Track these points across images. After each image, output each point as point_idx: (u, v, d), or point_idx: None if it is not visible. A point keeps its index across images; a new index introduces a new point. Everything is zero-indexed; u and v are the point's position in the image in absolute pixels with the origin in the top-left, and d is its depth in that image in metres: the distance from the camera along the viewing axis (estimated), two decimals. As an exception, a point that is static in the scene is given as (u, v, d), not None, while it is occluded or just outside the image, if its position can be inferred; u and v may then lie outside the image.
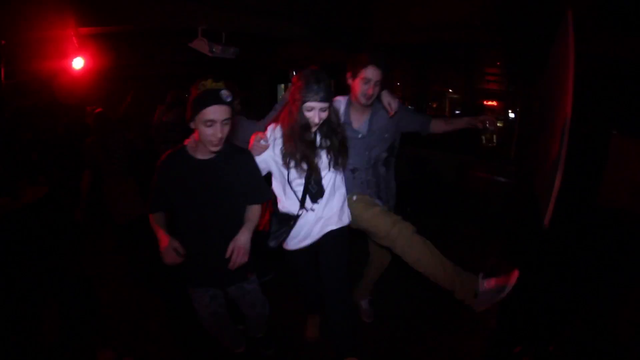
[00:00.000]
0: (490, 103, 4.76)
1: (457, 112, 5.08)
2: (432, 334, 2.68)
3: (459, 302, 2.06)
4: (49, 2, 3.06)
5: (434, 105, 5.25)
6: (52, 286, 3.44)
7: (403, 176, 2.66)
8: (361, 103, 2.07)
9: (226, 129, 1.62)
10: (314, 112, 1.76)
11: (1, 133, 3.55)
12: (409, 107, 2.28)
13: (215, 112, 1.56)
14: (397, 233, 2.01)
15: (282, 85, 7.97)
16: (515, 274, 1.97)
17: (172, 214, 1.85)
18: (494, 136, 2.38)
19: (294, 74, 1.90)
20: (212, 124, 1.57)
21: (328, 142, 1.89)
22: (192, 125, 1.64)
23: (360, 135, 2.17)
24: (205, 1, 3.48)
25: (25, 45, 3.88)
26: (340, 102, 2.19)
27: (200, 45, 3.72)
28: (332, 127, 1.88)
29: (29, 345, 2.76)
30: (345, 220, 2.04)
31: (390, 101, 2.07)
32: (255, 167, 1.86)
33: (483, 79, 4.59)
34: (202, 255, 1.83)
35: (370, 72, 1.97)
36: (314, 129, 1.83)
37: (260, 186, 1.88)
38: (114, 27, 3.98)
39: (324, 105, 1.76)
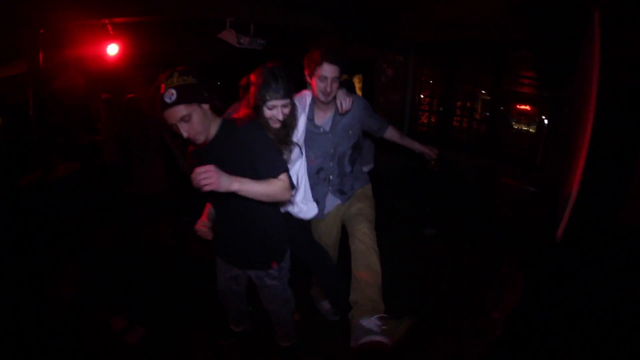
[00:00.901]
0: (523, 107, 4.53)
1: (488, 114, 4.87)
2: (435, 337, 2.64)
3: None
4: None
5: (468, 105, 5.05)
6: (74, 252, 3.69)
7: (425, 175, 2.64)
8: (321, 100, 2.07)
9: (186, 127, 1.57)
10: (277, 109, 1.78)
11: (38, 112, 3.80)
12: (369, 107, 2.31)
13: (169, 118, 1.56)
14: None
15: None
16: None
17: None
18: (434, 164, 2.48)
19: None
20: (175, 125, 1.59)
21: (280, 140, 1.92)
22: None
23: (322, 130, 2.16)
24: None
25: (62, 31, 4.11)
26: (307, 96, 2.18)
27: (228, 36, 3.80)
28: (291, 124, 1.94)
29: (48, 305, 2.99)
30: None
31: (342, 100, 2.08)
32: (259, 137, 1.69)
33: (516, 81, 4.36)
34: (223, 237, 1.89)
35: (326, 70, 1.95)
36: (277, 126, 1.85)
37: (273, 157, 1.70)
38: (146, 16, 4.13)
39: (286, 101, 1.79)
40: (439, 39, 4.54)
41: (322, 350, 2.51)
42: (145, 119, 3.66)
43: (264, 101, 1.76)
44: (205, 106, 1.61)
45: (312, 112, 2.17)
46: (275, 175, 1.65)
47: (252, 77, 1.81)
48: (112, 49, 4.40)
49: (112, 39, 4.30)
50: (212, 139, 1.69)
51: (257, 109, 1.79)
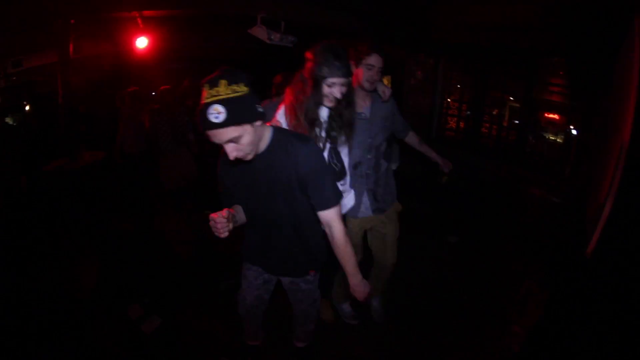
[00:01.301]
0: (551, 116, 4.39)
1: (516, 121, 4.75)
2: (452, 349, 2.56)
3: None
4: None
5: (494, 112, 4.95)
6: (96, 240, 3.77)
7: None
8: (365, 88, 2.13)
9: (236, 147, 1.35)
10: (336, 87, 1.73)
11: (67, 101, 3.90)
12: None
13: (215, 137, 1.31)
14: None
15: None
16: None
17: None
18: (445, 179, 2.54)
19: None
20: (226, 144, 1.36)
21: (340, 120, 1.88)
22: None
23: (362, 116, 2.18)
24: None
25: (93, 23, 4.21)
26: None
27: (259, 32, 3.82)
28: (349, 100, 1.87)
29: (67, 289, 3.06)
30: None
31: (384, 89, 2.19)
32: (317, 162, 1.54)
33: (546, 89, 4.23)
34: (261, 245, 1.76)
35: (374, 59, 2.07)
36: (331, 105, 1.80)
37: (324, 187, 1.54)
38: (179, 9, 4.19)
39: (346, 80, 1.75)
40: (470, 42, 4.44)
41: (337, 354, 2.48)
42: (174, 111, 3.73)
43: (323, 77, 1.70)
44: (259, 122, 1.37)
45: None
46: (325, 208, 1.54)
47: (310, 54, 1.75)
48: (142, 42, 4.48)
49: (142, 32, 4.38)
50: (260, 153, 1.50)
51: (316, 84, 1.72)
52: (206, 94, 1.25)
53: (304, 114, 1.77)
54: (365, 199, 2.30)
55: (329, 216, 1.55)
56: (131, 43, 4.49)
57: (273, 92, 2.53)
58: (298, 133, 1.67)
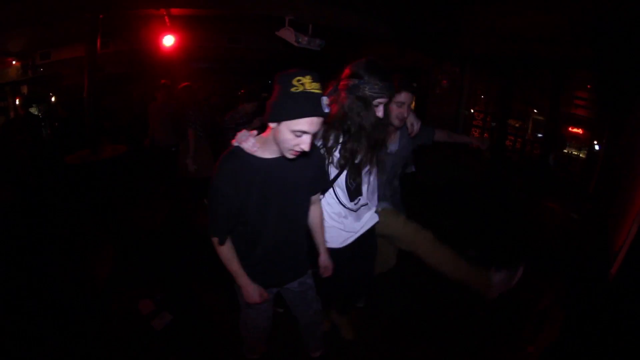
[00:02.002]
0: (575, 130, 4.29)
1: (540, 135, 4.66)
2: (460, 356, 2.55)
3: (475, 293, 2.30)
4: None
5: (517, 125, 4.86)
6: (113, 232, 3.83)
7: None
8: (394, 125, 2.09)
9: (312, 140, 1.39)
10: (380, 107, 1.74)
11: (93, 95, 3.99)
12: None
13: (312, 124, 1.32)
14: (420, 240, 2.21)
15: None
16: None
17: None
18: (487, 155, 2.56)
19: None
20: (302, 135, 1.33)
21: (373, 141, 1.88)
22: (272, 124, 1.37)
23: (389, 151, 2.20)
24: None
25: (121, 20, 4.30)
26: None
27: (287, 34, 3.83)
28: (387, 124, 1.91)
29: (81, 280, 3.11)
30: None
31: (413, 122, 2.16)
32: (321, 158, 1.73)
33: (571, 102, 4.13)
34: (272, 255, 1.68)
35: (404, 96, 2.02)
36: (399, 124, 1.96)
37: (324, 176, 1.79)
38: (209, 8, 4.25)
39: (387, 100, 1.77)
40: (497, 52, 4.39)
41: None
42: (199, 105, 3.82)
43: (373, 98, 1.70)
44: None
45: None
46: (321, 190, 1.79)
47: (351, 69, 1.74)
48: (168, 40, 4.56)
49: (169, 30, 4.46)
50: (281, 155, 1.50)
51: (367, 105, 1.71)
52: (311, 84, 1.29)
53: (368, 135, 1.77)
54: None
55: (318, 196, 1.80)
56: (158, 41, 4.58)
57: None
58: None
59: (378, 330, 2.72)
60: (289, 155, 1.41)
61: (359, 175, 1.90)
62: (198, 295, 3.01)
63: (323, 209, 1.93)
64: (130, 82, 6.57)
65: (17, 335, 2.46)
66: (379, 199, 2.23)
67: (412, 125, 2.16)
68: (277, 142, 1.39)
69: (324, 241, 1.87)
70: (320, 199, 1.87)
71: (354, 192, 1.93)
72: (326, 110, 1.32)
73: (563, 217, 3.96)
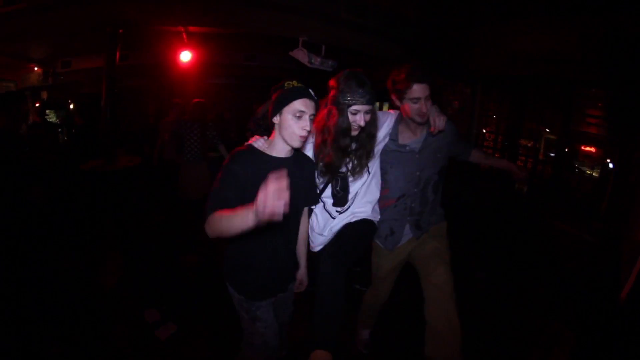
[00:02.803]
0: (587, 149, 4.23)
1: (552, 154, 4.60)
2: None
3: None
4: (165, 0, 3.47)
5: (529, 145, 4.83)
6: (121, 242, 3.89)
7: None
8: (417, 122, 1.93)
9: (312, 124, 1.58)
10: (359, 115, 1.73)
11: (111, 106, 4.10)
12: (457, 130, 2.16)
13: (306, 104, 1.54)
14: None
15: (378, 103, 8.10)
16: None
17: None
18: (523, 186, 2.27)
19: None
20: (302, 115, 1.53)
21: (360, 149, 1.85)
22: (276, 119, 1.58)
23: (407, 149, 2.01)
24: (308, 14, 3.66)
25: (140, 34, 4.44)
26: (389, 115, 2.05)
27: (300, 55, 3.90)
28: (370, 132, 1.84)
29: (89, 288, 3.14)
30: (376, 217, 2.02)
31: (436, 118, 1.87)
32: (312, 172, 1.83)
33: (583, 121, 4.09)
34: (269, 261, 1.69)
35: (417, 91, 1.84)
36: (355, 133, 1.78)
37: (314, 189, 1.86)
38: (224, 28, 4.36)
39: (369, 107, 1.73)
40: (508, 72, 4.38)
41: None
42: (202, 124, 3.86)
43: (348, 105, 1.71)
44: None
45: (396, 131, 2.03)
46: (310, 204, 1.88)
47: (333, 82, 1.77)
48: (186, 56, 4.68)
49: (186, 46, 4.59)
50: (287, 156, 1.66)
51: (341, 112, 1.72)
52: (298, 84, 1.58)
53: (333, 142, 1.75)
54: (407, 230, 2.11)
55: (306, 210, 1.88)
56: (175, 56, 4.71)
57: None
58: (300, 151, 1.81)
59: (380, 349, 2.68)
60: (297, 143, 1.56)
61: (341, 182, 1.89)
62: (203, 307, 3.02)
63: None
64: (147, 95, 6.74)
65: (24, 341, 2.48)
66: (400, 214, 2.07)
67: (433, 121, 1.87)
68: (283, 134, 1.57)
69: (305, 255, 1.93)
70: (310, 212, 1.95)
71: (339, 199, 1.91)
72: (312, 94, 1.56)
73: (576, 239, 3.88)
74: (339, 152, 1.77)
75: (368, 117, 1.75)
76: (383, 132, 1.98)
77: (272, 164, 1.59)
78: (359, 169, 1.87)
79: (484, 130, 5.35)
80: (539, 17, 3.58)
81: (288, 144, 1.59)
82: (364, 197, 1.95)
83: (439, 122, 1.86)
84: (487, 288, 3.73)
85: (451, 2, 3.93)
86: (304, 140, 1.58)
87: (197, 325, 2.80)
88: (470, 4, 3.81)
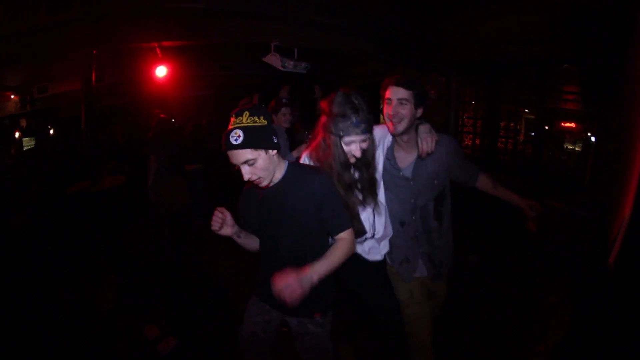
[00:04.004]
0: (567, 124, 4.31)
1: (532, 133, 4.68)
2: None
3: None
4: (136, 17, 3.48)
5: (511, 125, 4.91)
6: (116, 261, 3.88)
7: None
8: (391, 131, 1.77)
9: (251, 170, 1.48)
10: (355, 145, 1.60)
11: (91, 127, 4.08)
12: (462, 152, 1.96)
13: (232, 158, 1.48)
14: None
15: None
16: None
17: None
18: (534, 226, 2.06)
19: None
20: (241, 166, 1.48)
21: (357, 176, 1.74)
22: None
23: (401, 175, 1.87)
24: (277, 19, 3.68)
25: (114, 53, 4.43)
26: (386, 131, 1.88)
27: (273, 60, 3.90)
28: (366, 160, 1.71)
29: (87, 310, 3.12)
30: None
31: (423, 138, 1.71)
32: (331, 189, 1.61)
33: (560, 98, 4.18)
34: (266, 276, 1.64)
35: (391, 92, 1.73)
36: (352, 161, 1.67)
37: (339, 211, 1.62)
38: (194, 40, 4.37)
39: (366, 136, 1.60)
40: (481, 57, 4.48)
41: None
42: (171, 139, 3.85)
43: (340, 136, 1.59)
44: (273, 152, 1.52)
45: (392, 151, 1.89)
46: (341, 231, 1.60)
47: (325, 105, 1.65)
48: (161, 71, 4.67)
49: (161, 61, 4.58)
50: (276, 182, 1.60)
51: (334, 143, 1.63)
52: (232, 122, 1.48)
53: (338, 179, 1.66)
54: (421, 265, 1.95)
55: (344, 236, 1.61)
56: (151, 72, 4.69)
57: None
58: (310, 165, 1.75)
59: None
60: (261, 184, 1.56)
61: (357, 215, 1.76)
62: (202, 320, 3.02)
63: None
64: (127, 113, 6.73)
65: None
66: (410, 243, 1.94)
67: (421, 143, 1.71)
68: None
69: (327, 265, 1.60)
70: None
71: (357, 232, 1.75)
72: (235, 143, 1.42)
73: (566, 214, 3.94)
74: (346, 188, 1.69)
75: (365, 145, 1.63)
76: (380, 150, 1.86)
77: (261, 195, 1.65)
78: (369, 198, 1.77)
79: (464, 117, 5.43)
80: (506, 2, 3.67)
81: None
82: (380, 218, 1.87)
83: (426, 145, 1.71)
84: (482, 271, 3.77)
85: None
86: (257, 184, 1.53)
87: (197, 338, 2.80)
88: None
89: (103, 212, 4.25)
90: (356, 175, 1.73)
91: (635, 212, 1.72)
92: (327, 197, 1.57)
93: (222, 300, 3.28)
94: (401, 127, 1.72)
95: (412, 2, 4.22)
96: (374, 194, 1.78)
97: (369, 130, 1.61)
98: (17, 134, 5.81)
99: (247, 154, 1.45)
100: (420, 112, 1.77)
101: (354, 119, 1.55)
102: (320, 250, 1.61)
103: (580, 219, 3.78)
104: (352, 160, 1.66)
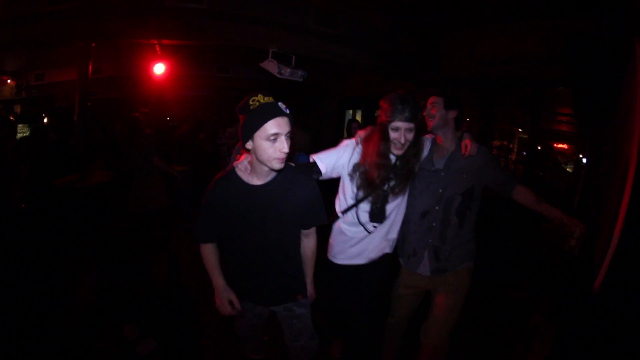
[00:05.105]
0: (560, 146, 4.37)
1: (524, 153, 4.73)
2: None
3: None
4: (138, 13, 3.47)
5: (505, 144, 4.96)
6: (98, 258, 3.82)
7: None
8: (394, 154, 1.89)
9: (289, 142, 1.46)
10: (400, 132, 1.78)
11: (83, 120, 4.03)
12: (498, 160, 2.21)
13: (279, 125, 1.42)
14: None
15: (350, 111, 8.24)
16: None
17: (220, 240, 1.76)
18: (574, 245, 1.99)
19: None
20: (277, 137, 1.42)
21: (403, 169, 1.91)
22: (249, 145, 1.47)
23: (434, 169, 2.03)
24: (277, 25, 3.69)
25: (113, 47, 4.41)
26: (426, 139, 2.13)
27: (270, 66, 3.91)
28: (415, 153, 1.91)
29: (65, 307, 3.06)
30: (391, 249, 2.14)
31: (467, 143, 1.97)
32: (317, 193, 1.70)
33: (554, 119, 4.24)
34: (250, 278, 1.74)
35: (398, 123, 1.83)
36: (397, 152, 1.84)
37: (319, 210, 1.72)
38: (193, 40, 4.36)
39: (410, 125, 1.78)
40: (477, 76, 4.51)
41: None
42: (146, 137, 3.81)
43: (389, 122, 1.78)
44: None
45: (432, 152, 2.09)
46: (315, 225, 1.75)
47: (381, 102, 1.85)
48: (159, 68, 4.65)
49: (160, 58, 4.56)
50: (269, 181, 1.60)
51: (383, 131, 1.81)
52: (264, 98, 1.44)
53: (376, 160, 1.83)
54: (425, 259, 2.07)
55: (313, 230, 1.78)
56: (149, 68, 4.67)
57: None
58: (300, 165, 1.86)
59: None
60: (277, 165, 1.48)
61: (381, 199, 1.95)
62: (182, 322, 2.97)
63: (340, 223, 2.08)
64: (123, 107, 6.67)
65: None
66: (423, 232, 2.06)
67: (465, 146, 1.95)
68: (260, 159, 1.48)
69: (312, 273, 1.90)
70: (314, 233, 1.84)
71: (377, 215, 1.97)
72: (286, 111, 1.44)
73: (553, 233, 3.96)
74: (380, 171, 1.85)
75: (410, 135, 1.80)
76: (424, 155, 2.07)
77: (251, 194, 1.59)
78: (399, 188, 1.94)
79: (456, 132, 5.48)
80: (504, 23, 3.72)
81: (269, 168, 1.52)
82: (397, 215, 2.05)
83: (470, 148, 1.95)
84: (472, 285, 3.76)
85: (419, 11, 4.04)
86: (283, 161, 1.48)
87: (176, 340, 2.75)
88: (438, 12, 3.93)
89: (88, 208, 4.17)
90: (398, 164, 1.91)
91: (622, 238, 1.73)
92: (314, 203, 1.68)
93: (202, 302, 3.22)
94: (432, 123, 2.01)
95: (412, 17, 4.26)
96: (407, 186, 1.98)
97: (413, 120, 1.78)
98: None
99: (290, 124, 1.46)
100: (452, 113, 2.02)
101: (399, 107, 1.75)
102: (297, 243, 1.76)
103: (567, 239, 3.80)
104: (398, 151, 1.83)
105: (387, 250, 2.11)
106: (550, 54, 3.18)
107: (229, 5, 3.43)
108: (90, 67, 3.83)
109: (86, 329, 2.79)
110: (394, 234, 2.09)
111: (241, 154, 1.65)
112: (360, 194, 1.95)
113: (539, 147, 4.43)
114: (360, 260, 2.08)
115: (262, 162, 1.49)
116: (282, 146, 1.43)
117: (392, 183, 1.92)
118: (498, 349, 2.83)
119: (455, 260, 2.07)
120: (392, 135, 1.79)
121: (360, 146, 1.95)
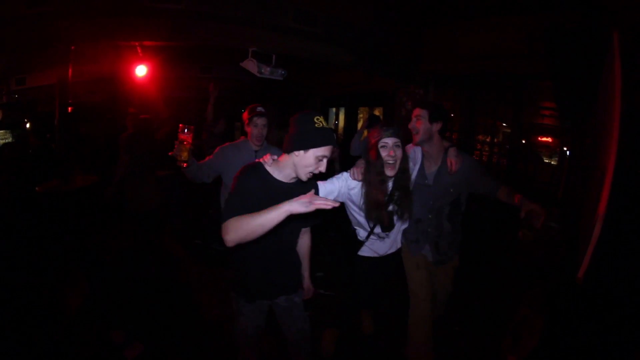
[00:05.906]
0: (544, 139, 4.42)
1: (507, 146, 4.78)
2: None
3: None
4: (117, 15, 3.41)
5: (488, 139, 4.99)
6: (84, 263, 3.77)
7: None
8: (413, 141, 2.25)
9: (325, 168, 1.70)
10: (387, 148, 1.97)
11: (64, 124, 3.96)
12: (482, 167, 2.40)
13: (329, 150, 1.67)
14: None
15: (334, 109, 8.20)
16: None
17: None
18: (527, 234, 2.24)
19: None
20: (323, 159, 1.66)
21: (398, 193, 2.11)
22: (297, 152, 1.66)
23: (426, 182, 2.28)
24: (256, 24, 3.66)
25: (94, 49, 4.32)
26: (417, 150, 2.33)
27: (250, 65, 3.88)
28: (404, 168, 2.07)
29: (52, 312, 3.03)
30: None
31: (452, 159, 2.17)
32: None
33: (537, 113, 4.28)
34: (262, 271, 1.88)
35: (386, 141, 2.03)
36: (390, 173, 2.01)
37: (316, 213, 1.84)
38: (172, 41, 4.29)
39: (395, 140, 1.97)
40: (459, 71, 4.56)
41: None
42: (146, 137, 3.78)
43: (378, 141, 1.98)
44: None
45: (422, 163, 2.31)
46: (312, 224, 2.02)
47: (371, 131, 2.05)
48: (141, 70, 4.57)
49: (141, 60, 4.49)
50: (295, 181, 1.78)
51: (375, 153, 2.00)
52: (325, 122, 1.67)
53: (375, 181, 2.02)
54: (427, 248, 2.39)
55: (309, 228, 2.06)
56: (130, 70, 4.59)
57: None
58: None
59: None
60: (305, 177, 1.68)
61: (390, 218, 2.17)
62: (169, 326, 2.95)
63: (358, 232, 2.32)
64: (108, 111, 6.57)
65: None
66: (420, 234, 2.36)
67: (450, 163, 2.17)
68: (298, 166, 1.67)
69: (308, 268, 2.12)
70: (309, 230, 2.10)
71: (387, 227, 2.22)
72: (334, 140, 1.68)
73: (541, 228, 3.99)
74: (380, 188, 2.04)
75: (399, 151, 1.99)
76: (413, 166, 2.28)
77: (276, 187, 1.74)
78: (404, 210, 2.16)
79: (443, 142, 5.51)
80: (485, 18, 3.76)
81: (296, 175, 1.71)
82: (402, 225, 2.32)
83: (454, 166, 2.17)
84: (457, 282, 3.80)
85: (400, 7, 4.05)
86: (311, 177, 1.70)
87: (163, 345, 2.73)
88: (419, 7, 3.94)
89: (72, 212, 4.11)
90: (396, 192, 2.12)
91: (605, 228, 1.74)
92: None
93: (190, 307, 3.22)
94: (417, 137, 2.20)
95: (393, 14, 4.27)
96: (410, 206, 2.17)
97: (396, 135, 1.99)
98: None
99: (331, 151, 1.68)
100: (437, 126, 2.18)
101: (384, 128, 1.98)
102: (298, 237, 2.01)
103: (553, 232, 3.85)
104: (391, 172, 2.00)
105: (399, 245, 2.40)
106: (532, 48, 3.23)
107: (208, 5, 3.40)
108: (70, 70, 3.76)
109: (73, 335, 2.77)
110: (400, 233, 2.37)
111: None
112: (370, 223, 2.19)
113: (523, 141, 4.48)
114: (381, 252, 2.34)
115: (296, 168, 1.68)
116: (323, 167, 1.67)
117: (395, 207, 2.14)
118: (486, 342, 2.85)
119: (449, 254, 2.42)
120: (383, 153, 1.97)
121: (356, 174, 2.09)
